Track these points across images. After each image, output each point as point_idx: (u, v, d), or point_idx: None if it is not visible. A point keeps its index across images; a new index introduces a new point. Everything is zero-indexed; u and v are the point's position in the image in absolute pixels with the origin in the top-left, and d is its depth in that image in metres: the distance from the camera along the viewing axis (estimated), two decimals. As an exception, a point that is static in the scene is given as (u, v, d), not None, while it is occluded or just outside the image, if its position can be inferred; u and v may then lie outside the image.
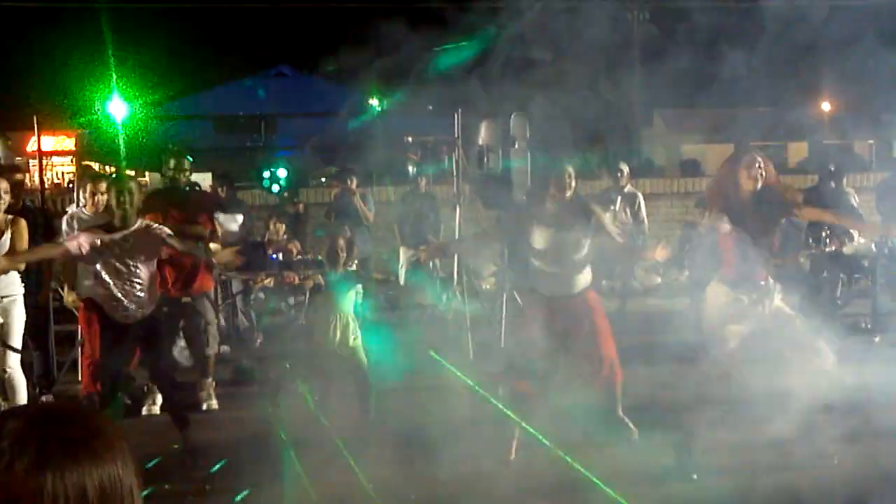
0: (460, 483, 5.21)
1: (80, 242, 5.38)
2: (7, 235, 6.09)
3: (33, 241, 6.88)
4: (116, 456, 1.16)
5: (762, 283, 5.12)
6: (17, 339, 6.22)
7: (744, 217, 5.04)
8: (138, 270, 5.46)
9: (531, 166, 6.88)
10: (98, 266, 5.46)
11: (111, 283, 5.44)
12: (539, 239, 5.48)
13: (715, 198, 5.25)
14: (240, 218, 9.34)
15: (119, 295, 5.44)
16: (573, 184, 5.49)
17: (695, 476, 5.13)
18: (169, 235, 5.61)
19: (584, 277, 5.60)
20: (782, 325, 5.15)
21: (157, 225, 5.67)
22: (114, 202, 5.44)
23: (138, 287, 5.47)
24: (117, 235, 5.42)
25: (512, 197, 7.31)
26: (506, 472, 5.39)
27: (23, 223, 6.19)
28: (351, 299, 6.01)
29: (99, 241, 5.38)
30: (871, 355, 7.80)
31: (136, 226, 5.48)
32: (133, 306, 5.47)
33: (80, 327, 6.98)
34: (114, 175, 5.99)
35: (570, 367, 5.53)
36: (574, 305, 5.55)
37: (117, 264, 5.42)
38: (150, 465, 5.45)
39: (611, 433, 5.77)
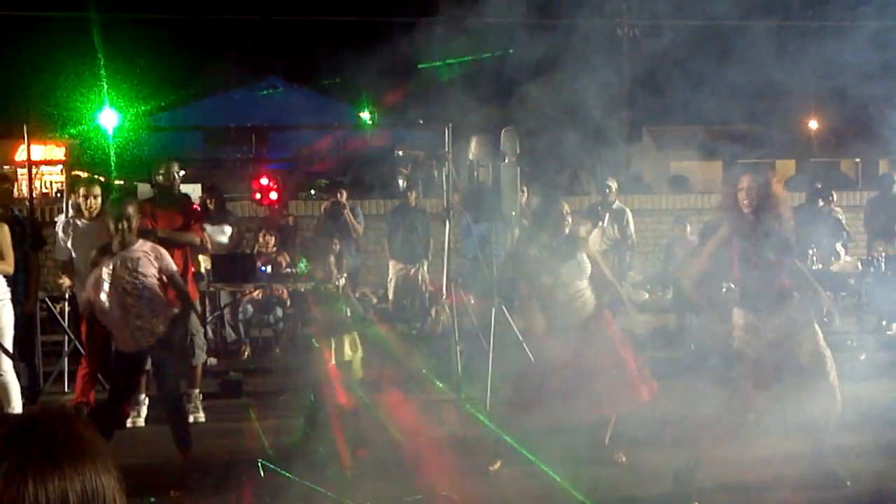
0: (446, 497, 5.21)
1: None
2: None
3: (20, 250, 6.88)
4: (98, 464, 1.15)
5: (775, 297, 5.06)
6: (7, 342, 6.23)
7: (750, 237, 5.03)
8: (146, 291, 5.43)
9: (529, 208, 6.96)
10: (104, 295, 5.39)
11: (120, 310, 5.38)
12: (550, 274, 5.59)
13: (724, 217, 5.29)
14: (228, 230, 9.33)
15: (132, 320, 5.39)
16: (570, 219, 5.73)
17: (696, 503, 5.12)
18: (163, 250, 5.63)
19: (592, 297, 5.71)
20: (809, 361, 5.07)
21: (154, 245, 5.61)
22: (112, 226, 5.41)
23: (149, 307, 5.44)
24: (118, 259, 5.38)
25: (501, 212, 7.35)
26: (491, 488, 5.38)
27: (5, 228, 6.21)
28: (345, 313, 5.93)
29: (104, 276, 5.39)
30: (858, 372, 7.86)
31: (136, 246, 5.48)
32: (146, 328, 5.42)
33: (82, 335, 6.97)
34: (112, 199, 5.92)
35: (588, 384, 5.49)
36: (590, 325, 5.64)
37: (124, 289, 5.37)
38: (135, 478, 5.43)
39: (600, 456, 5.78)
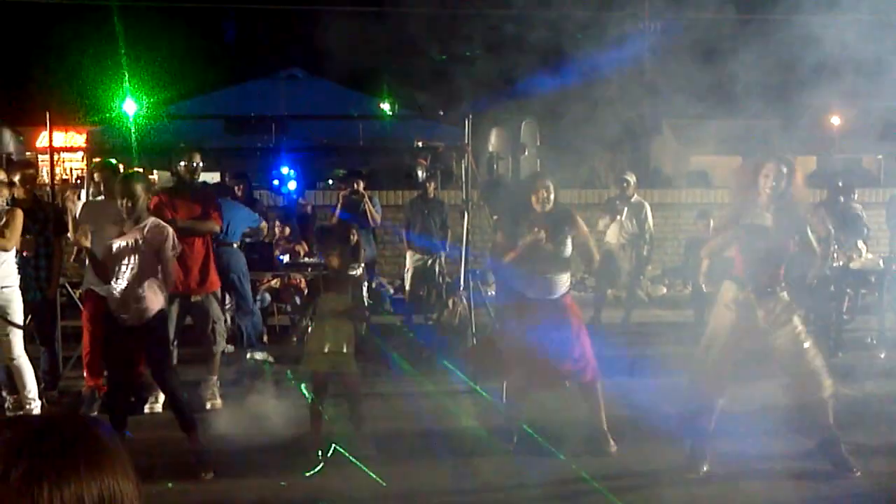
0: (458, 485, 5.23)
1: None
2: None
3: (43, 236, 6.95)
4: (116, 468, 1.13)
5: (769, 289, 5.16)
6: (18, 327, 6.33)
7: (762, 224, 5.09)
8: (140, 270, 5.45)
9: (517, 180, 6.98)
10: (116, 268, 5.44)
11: (118, 283, 5.45)
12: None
13: (738, 198, 5.37)
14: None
15: (122, 295, 5.44)
16: (552, 197, 5.70)
17: (705, 468, 5.19)
18: (174, 231, 5.63)
19: (564, 283, 5.79)
20: (790, 350, 5.22)
21: (162, 223, 5.61)
22: (122, 204, 5.44)
23: (140, 287, 5.45)
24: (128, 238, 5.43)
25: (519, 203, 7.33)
26: (504, 476, 5.39)
27: (19, 212, 6.29)
28: (347, 303, 5.81)
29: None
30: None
31: (146, 224, 5.50)
32: (135, 306, 5.46)
33: (83, 317, 7.05)
34: (122, 176, 5.93)
35: (543, 368, 5.66)
36: (553, 308, 5.72)
37: (124, 264, 5.42)
38: (153, 463, 5.48)
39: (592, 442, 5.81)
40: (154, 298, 5.52)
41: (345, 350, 5.74)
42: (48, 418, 1.18)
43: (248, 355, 8.25)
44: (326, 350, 5.71)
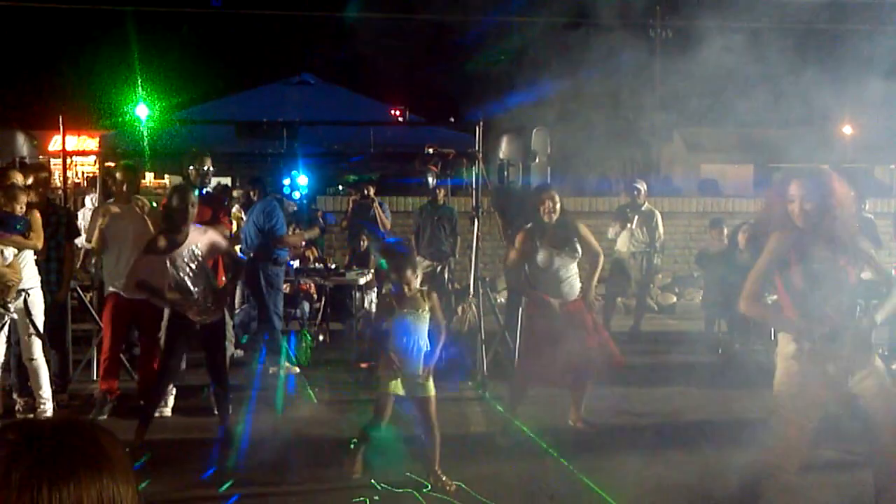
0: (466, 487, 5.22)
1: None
2: None
3: (55, 239, 6.97)
4: (116, 471, 1.16)
5: (834, 335, 4.02)
6: (40, 328, 6.44)
7: (805, 250, 4.11)
8: (207, 272, 5.87)
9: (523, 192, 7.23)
10: (180, 275, 5.77)
11: (190, 288, 5.78)
12: (538, 256, 6.17)
13: (774, 226, 4.27)
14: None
15: (197, 297, 5.80)
16: (558, 207, 6.15)
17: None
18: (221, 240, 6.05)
19: (575, 287, 6.23)
20: (877, 396, 4.09)
21: (211, 230, 6.02)
22: (177, 213, 5.74)
23: (202, 290, 5.81)
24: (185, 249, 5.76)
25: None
26: (512, 484, 5.38)
27: (36, 213, 6.41)
28: (425, 325, 5.23)
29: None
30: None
31: (194, 231, 5.84)
32: (209, 307, 5.85)
33: (103, 321, 7.08)
34: (179, 185, 6.38)
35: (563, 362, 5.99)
36: (569, 310, 6.16)
37: (189, 270, 5.75)
38: (162, 465, 5.49)
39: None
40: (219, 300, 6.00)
41: (423, 380, 5.33)
42: (50, 422, 1.21)
43: (281, 372, 8.05)
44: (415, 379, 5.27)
